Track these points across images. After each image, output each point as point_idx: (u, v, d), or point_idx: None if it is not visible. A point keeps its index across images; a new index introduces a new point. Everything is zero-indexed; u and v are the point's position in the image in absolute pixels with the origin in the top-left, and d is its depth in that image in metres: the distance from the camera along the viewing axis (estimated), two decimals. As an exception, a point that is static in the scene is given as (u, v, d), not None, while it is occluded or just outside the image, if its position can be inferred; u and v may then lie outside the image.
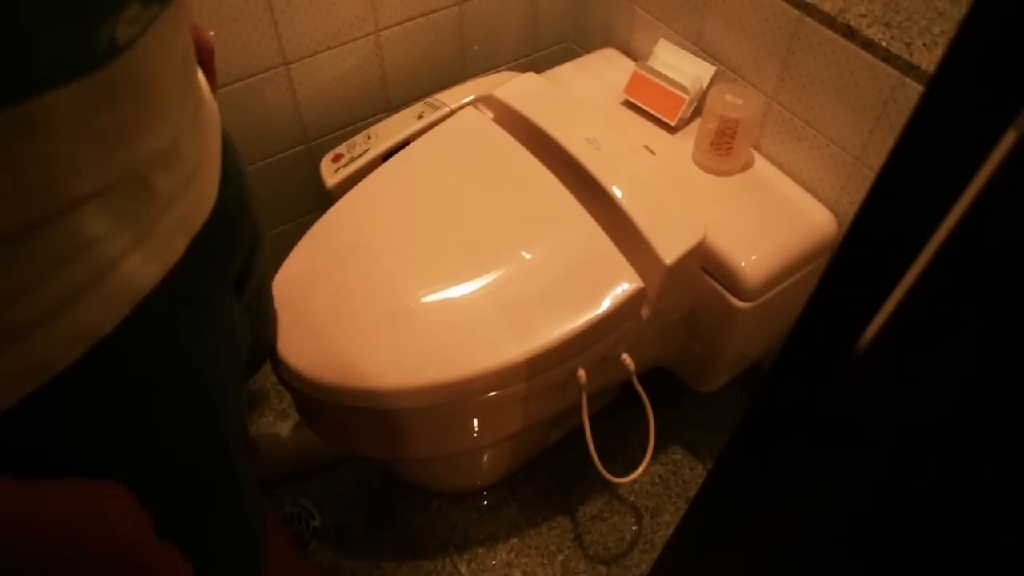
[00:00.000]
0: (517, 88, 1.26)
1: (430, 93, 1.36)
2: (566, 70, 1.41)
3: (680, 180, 1.21)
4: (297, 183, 1.41)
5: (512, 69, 1.54)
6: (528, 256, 1.09)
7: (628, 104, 1.33)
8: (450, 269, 1.07)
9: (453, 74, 1.48)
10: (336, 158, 1.26)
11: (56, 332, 0.48)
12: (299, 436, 1.41)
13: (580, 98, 1.32)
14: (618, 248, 1.09)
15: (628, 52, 1.44)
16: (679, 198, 1.13)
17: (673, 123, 1.28)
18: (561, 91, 1.26)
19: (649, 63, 1.31)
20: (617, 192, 1.11)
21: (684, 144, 1.27)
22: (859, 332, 0.40)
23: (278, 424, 1.45)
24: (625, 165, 1.15)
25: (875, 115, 1.06)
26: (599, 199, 1.13)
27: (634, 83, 1.30)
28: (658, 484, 1.47)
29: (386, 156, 1.25)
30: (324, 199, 1.26)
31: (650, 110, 1.30)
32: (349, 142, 1.29)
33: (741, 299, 1.13)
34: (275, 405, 1.49)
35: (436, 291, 1.06)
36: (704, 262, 1.14)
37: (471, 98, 1.31)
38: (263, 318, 0.97)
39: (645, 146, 1.26)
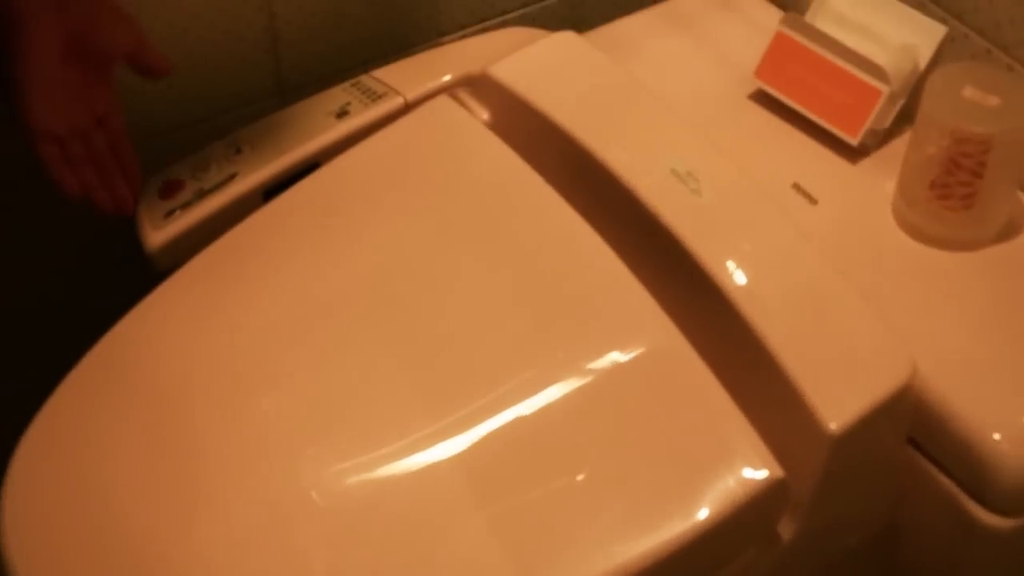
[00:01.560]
0: (534, 61, 1.03)
1: (364, 67, 1.07)
2: (636, 24, 1.17)
3: (866, 257, 0.99)
4: (83, 237, 1.09)
5: (522, 22, 1.25)
6: (548, 402, 0.84)
7: (762, 97, 1.08)
8: (392, 425, 0.85)
9: (408, 31, 1.19)
10: (168, 190, 1.00)
11: None
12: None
13: (664, 84, 1.08)
14: (732, 397, 0.85)
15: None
16: (861, 297, 0.92)
17: (855, 141, 1.03)
18: (625, 69, 1.05)
19: (809, 17, 1.07)
20: (736, 282, 0.90)
21: (876, 183, 1.03)
22: None
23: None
24: (753, 229, 0.95)
25: None
26: (698, 296, 0.91)
27: (776, 55, 1.07)
28: None
29: (270, 190, 0.99)
30: (139, 273, 0.98)
31: (807, 112, 1.05)
32: (198, 158, 1.02)
33: (994, 508, 0.87)
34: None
35: (359, 470, 0.84)
36: (914, 430, 0.90)
37: (446, 79, 1.05)
38: None
39: (794, 185, 1.01)
